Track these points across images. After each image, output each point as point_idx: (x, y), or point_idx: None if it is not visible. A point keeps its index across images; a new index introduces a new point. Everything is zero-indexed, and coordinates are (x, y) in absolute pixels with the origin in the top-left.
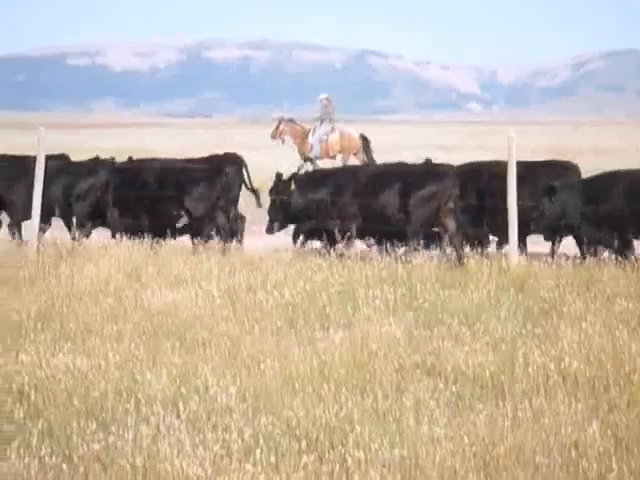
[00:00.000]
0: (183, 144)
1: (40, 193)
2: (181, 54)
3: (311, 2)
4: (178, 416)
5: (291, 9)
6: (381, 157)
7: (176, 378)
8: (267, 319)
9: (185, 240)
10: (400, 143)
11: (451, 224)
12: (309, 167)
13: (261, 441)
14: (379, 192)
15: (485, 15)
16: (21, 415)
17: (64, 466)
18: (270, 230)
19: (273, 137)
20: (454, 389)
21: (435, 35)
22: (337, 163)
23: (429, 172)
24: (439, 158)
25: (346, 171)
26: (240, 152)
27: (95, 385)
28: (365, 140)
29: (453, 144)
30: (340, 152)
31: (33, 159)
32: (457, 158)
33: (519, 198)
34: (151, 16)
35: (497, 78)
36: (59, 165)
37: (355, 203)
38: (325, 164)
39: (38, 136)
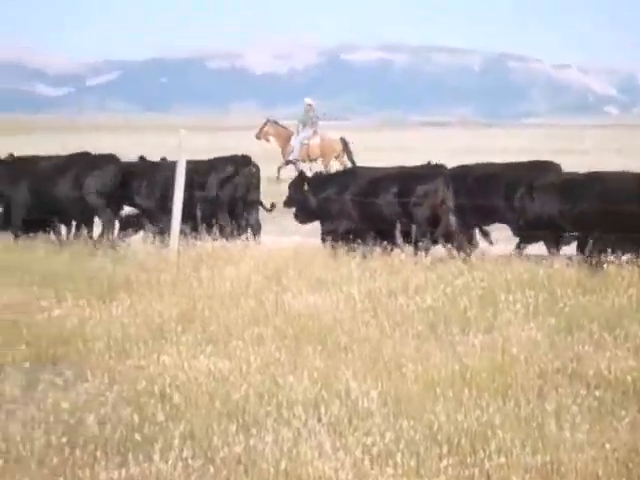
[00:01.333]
0: None
1: (181, 197)
2: (319, 57)
3: (449, 5)
4: (319, 419)
5: (429, 12)
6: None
7: (317, 381)
8: (408, 323)
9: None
10: (538, 147)
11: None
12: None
13: (402, 445)
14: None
15: (624, 16)
16: (163, 417)
17: (210, 468)
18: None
19: (258, 137)
20: (596, 394)
21: (573, 37)
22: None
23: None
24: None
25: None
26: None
27: (236, 388)
28: (345, 144)
29: (590, 147)
30: (321, 156)
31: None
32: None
33: None
34: (291, 19)
35: (636, 80)
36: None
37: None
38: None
39: (179, 138)
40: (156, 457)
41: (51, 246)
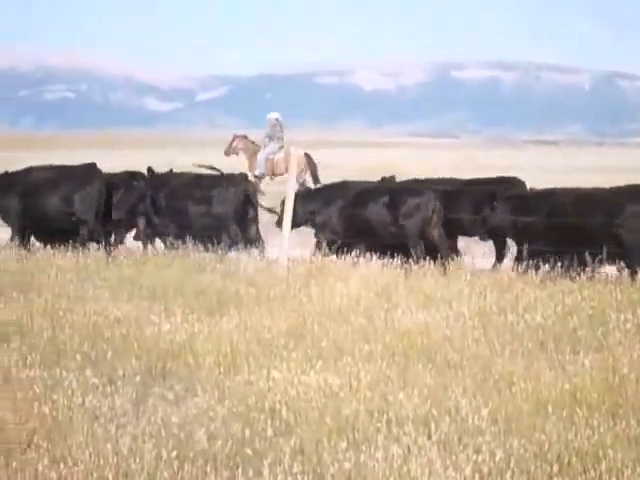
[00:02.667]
0: (429, 164)
1: (291, 209)
2: (428, 74)
3: (559, 24)
4: (429, 437)
5: (539, 31)
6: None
7: (427, 399)
8: (517, 341)
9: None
10: None
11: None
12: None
13: (512, 463)
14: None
15: None
16: (272, 432)
17: None
18: None
19: (227, 153)
20: None
21: None
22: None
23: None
24: None
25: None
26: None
27: (346, 404)
28: (310, 159)
29: None
30: (286, 171)
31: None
32: None
33: None
34: (399, 36)
35: None
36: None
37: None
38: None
39: (290, 153)
40: (265, 472)
41: (161, 260)
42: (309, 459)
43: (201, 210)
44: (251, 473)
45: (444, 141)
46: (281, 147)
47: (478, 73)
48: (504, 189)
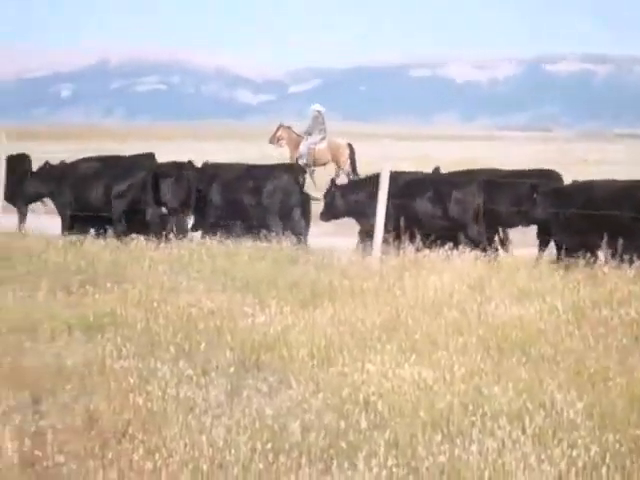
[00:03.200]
0: (521, 157)
1: (384, 202)
2: (521, 67)
3: None
4: (524, 431)
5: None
6: None
7: (522, 392)
8: (612, 335)
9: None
10: None
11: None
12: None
13: (607, 459)
14: None
15: None
16: (366, 425)
17: (414, 478)
18: None
19: (271, 142)
20: None
21: None
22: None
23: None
24: None
25: None
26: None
27: (440, 397)
28: (352, 150)
29: None
30: (328, 161)
31: None
32: None
33: None
34: (491, 29)
35: None
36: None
37: None
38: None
39: (383, 147)
40: (360, 465)
41: (254, 252)
42: (403, 452)
43: (252, 201)
44: (346, 465)
45: (536, 134)
46: (323, 138)
47: (570, 66)
48: (543, 182)
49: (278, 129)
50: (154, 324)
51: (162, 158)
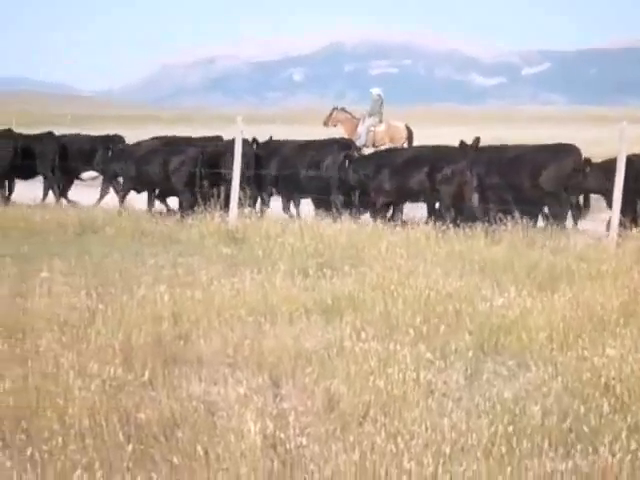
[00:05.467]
0: None
1: (621, 186)
2: None
3: None
4: None
5: None
6: None
7: None
8: None
9: None
10: None
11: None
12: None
13: None
14: None
15: None
16: (607, 409)
17: None
18: None
19: (325, 124)
20: None
21: None
22: None
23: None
24: None
25: None
26: None
27: None
28: (409, 131)
29: None
30: (387, 142)
31: None
32: None
33: None
34: None
35: None
36: None
37: None
38: None
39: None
40: (603, 450)
41: (490, 236)
42: None
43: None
44: (589, 450)
45: None
46: (380, 120)
47: None
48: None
49: (333, 111)
50: (392, 307)
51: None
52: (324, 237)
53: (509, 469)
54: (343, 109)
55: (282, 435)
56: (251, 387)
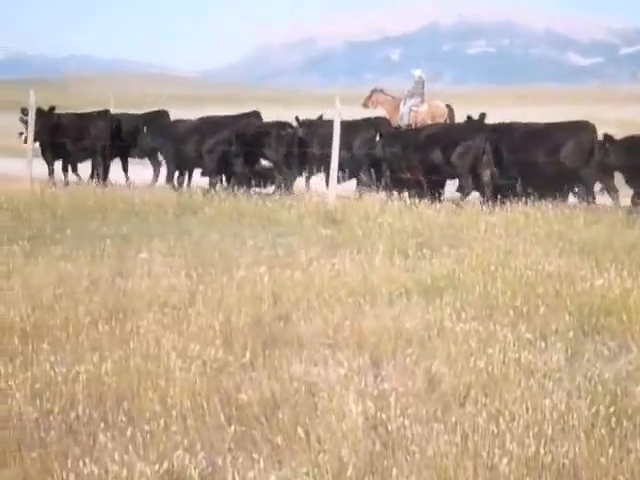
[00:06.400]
0: None
1: None
2: None
3: None
4: None
5: None
6: None
7: None
8: None
9: None
10: None
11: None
12: None
13: None
14: None
15: None
16: None
17: None
18: None
19: (365, 105)
20: None
21: None
22: None
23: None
24: None
25: None
26: None
27: None
28: (451, 110)
29: None
30: (430, 121)
31: None
32: None
33: None
34: None
35: None
36: None
37: None
38: None
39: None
40: None
41: (589, 215)
42: None
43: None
44: None
45: None
46: (422, 101)
47: None
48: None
49: (372, 93)
50: (492, 288)
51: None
52: (423, 217)
53: (611, 450)
54: (382, 90)
55: (383, 416)
56: (352, 368)
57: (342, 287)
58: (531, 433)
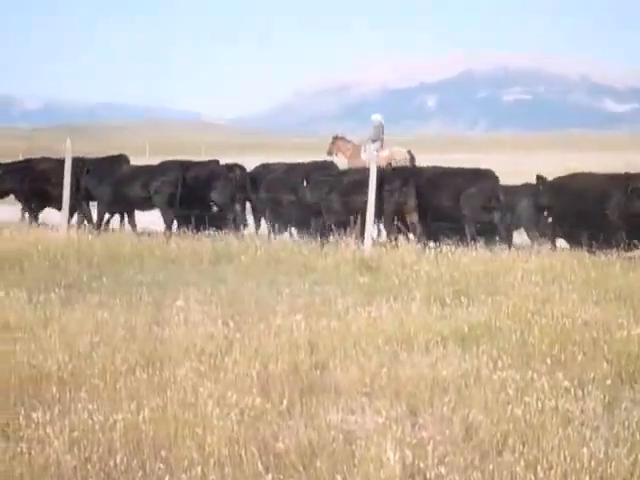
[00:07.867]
0: None
1: None
2: None
3: None
4: None
5: None
6: None
7: None
8: None
9: None
10: None
11: None
12: None
13: None
14: None
15: None
16: None
17: None
18: None
19: (329, 153)
20: None
21: None
22: None
23: None
24: None
25: None
26: None
27: None
28: (412, 157)
29: None
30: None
31: None
32: None
33: None
34: None
35: None
36: None
37: None
38: None
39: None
40: None
41: (625, 263)
42: None
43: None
44: None
45: None
46: (382, 146)
47: None
48: None
49: (334, 140)
50: (529, 335)
51: (524, 171)
52: (459, 265)
53: None
54: (343, 137)
55: (421, 464)
56: (389, 416)
57: (379, 335)
58: None
